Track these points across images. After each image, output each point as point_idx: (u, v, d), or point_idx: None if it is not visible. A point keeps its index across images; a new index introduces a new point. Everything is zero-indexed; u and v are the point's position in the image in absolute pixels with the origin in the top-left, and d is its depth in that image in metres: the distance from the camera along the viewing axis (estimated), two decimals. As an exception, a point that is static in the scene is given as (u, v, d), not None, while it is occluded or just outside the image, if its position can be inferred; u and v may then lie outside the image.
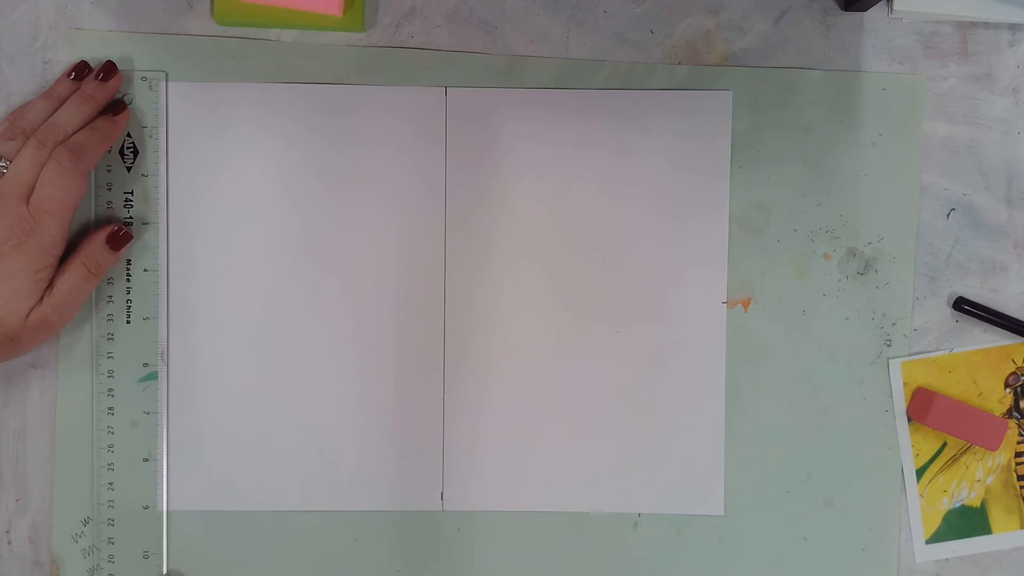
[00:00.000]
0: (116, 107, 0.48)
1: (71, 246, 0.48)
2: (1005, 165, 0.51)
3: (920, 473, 0.51)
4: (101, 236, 0.48)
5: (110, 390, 0.50)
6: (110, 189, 0.50)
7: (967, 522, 0.52)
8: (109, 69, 0.48)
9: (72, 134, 0.46)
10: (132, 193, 0.50)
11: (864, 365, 0.51)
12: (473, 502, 0.51)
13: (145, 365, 0.50)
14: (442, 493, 0.51)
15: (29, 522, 0.50)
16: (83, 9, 0.50)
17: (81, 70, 0.48)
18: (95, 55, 0.49)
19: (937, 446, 0.52)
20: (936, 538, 0.51)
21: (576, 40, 0.51)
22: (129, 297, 0.50)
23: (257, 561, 0.50)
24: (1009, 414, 0.52)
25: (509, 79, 0.50)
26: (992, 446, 0.50)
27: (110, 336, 0.50)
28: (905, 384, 0.51)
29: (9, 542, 0.50)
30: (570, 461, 0.51)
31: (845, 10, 0.51)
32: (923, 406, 0.50)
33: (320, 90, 0.50)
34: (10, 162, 0.45)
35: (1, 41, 0.50)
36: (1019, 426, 0.52)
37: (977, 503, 0.52)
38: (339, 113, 0.50)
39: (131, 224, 0.50)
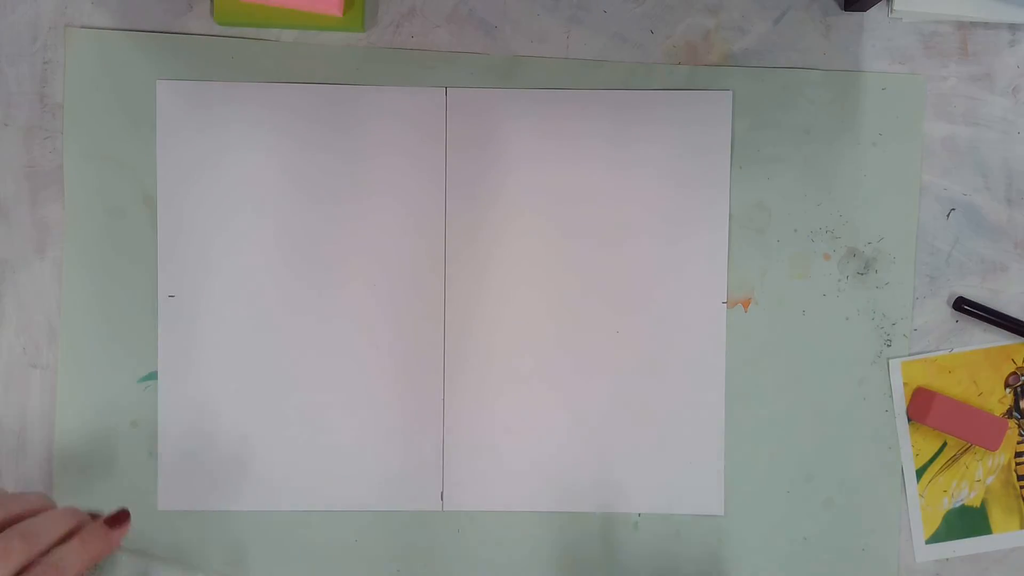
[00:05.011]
0: (117, 518, 0.41)
1: None
2: (1005, 165, 0.51)
3: (920, 473, 0.51)
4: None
5: (110, 391, 0.50)
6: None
7: (967, 522, 0.52)
8: (123, 518, 0.41)
9: (48, 546, 0.38)
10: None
11: (864, 365, 0.51)
12: (473, 502, 0.51)
13: (145, 366, 0.50)
14: (442, 493, 0.51)
15: (29, 522, 0.50)
16: (83, 9, 0.50)
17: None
18: (95, 55, 0.49)
19: (937, 446, 0.52)
20: (936, 538, 0.51)
21: (576, 40, 0.51)
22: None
23: (257, 561, 0.50)
24: (1009, 414, 0.52)
25: (509, 79, 0.50)
26: (992, 446, 0.50)
27: (110, 337, 0.50)
28: (905, 384, 0.51)
29: (9, 542, 0.50)
30: (570, 461, 0.51)
31: (845, 10, 0.51)
32: (923, 406, 0.50)
33: (319, 90, 0.50)
34: None
35: (1, 41, 0.50)
36: (1019, 426, 0.52)
37: (977, 503, 0.52)
38: (339, 113, 0.50)
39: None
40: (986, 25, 0.51)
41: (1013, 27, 0.51)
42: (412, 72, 0.50)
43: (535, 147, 0.50)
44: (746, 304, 0.51)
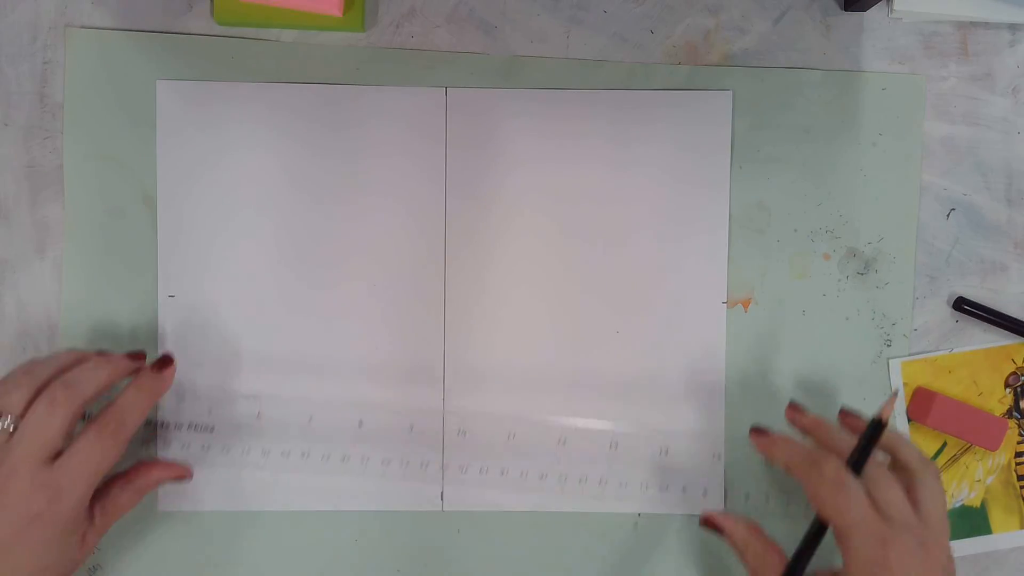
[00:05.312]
0: (162, 361, 0.47)
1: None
2: (1005, 165, 0.51)
3: (920, 473, 0.51)
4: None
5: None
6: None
7: (967, 522, 0.52)
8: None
9: (90, 395, 0.42)
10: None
11: (864, 365, 0.51)
12: (473, 502, 0.51)
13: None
14: (442, 493, 0.51)
15: (29, 522, 0.50)
16: (83, 9, 0.50)
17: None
18: (95, 55, 0.49)
19: (937, 446, 0.52)
20: (936, 538, 0.51)
21: (576, 40, 0.51)
22: (129, 297, 0.50)
23: (257, 561, 0.50)
24: (1009, 414, 0.52)
25: (509, 79, 0.50)
26: (992, 446, 0.50)
27: (110, 337, 0.50)
28: (905, 384, 0.51)
29: (9, 542, 0.50)
30: (571, 461, 0.51)
31: (845, 10, 0.51)
32: (923, 406, 0.50)
33: (319, 90, 0.50)
34: (16, 417, 0.41)
35: (1, 41, 0.50)
36: (1019, 426, 0.52)
37: (977, 503, 0.52)
38: (339, 113, 0.50)
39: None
40: (986, 25, 0.51)
41: (1013, 27, 0.51)
42: (412, 72, 0.50)
43: (535, 147, 0.50)
44: (746, 304, 0.51)
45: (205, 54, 0.50)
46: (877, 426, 0.44)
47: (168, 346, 0.50)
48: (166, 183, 0.50)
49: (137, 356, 0.46)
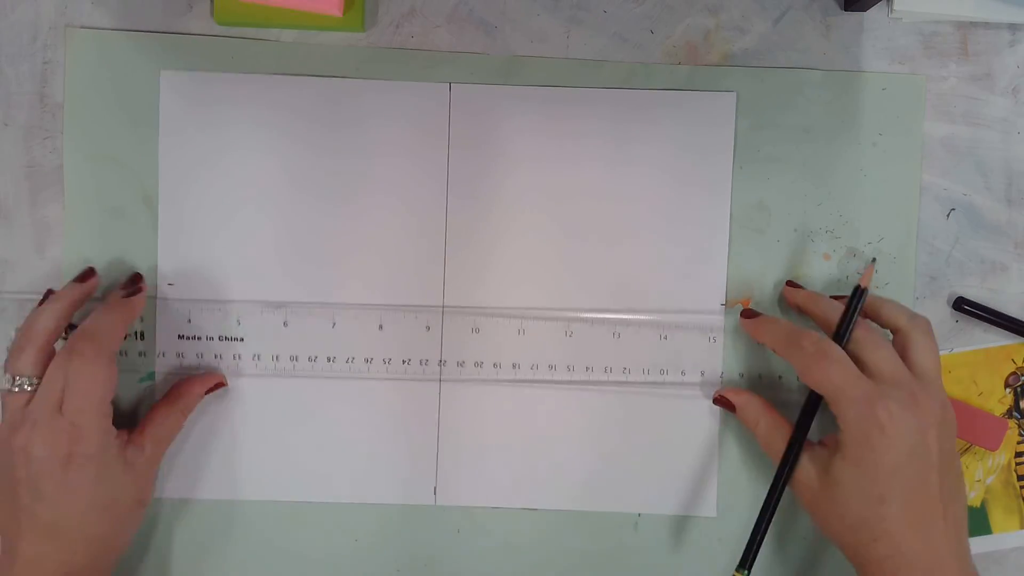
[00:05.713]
0: (131, 282, 0.48)
1: None
2: (1005, 165, 0.51)
3: (920, 473, 0.51)
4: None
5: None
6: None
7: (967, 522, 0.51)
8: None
9: (49, 332, 0.44)
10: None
11: (864, 365, 0.51)
12: (469, 500, 0.51)
13: (144, 365, 0.50)
14: (435, 488, 0.50)
15: (29, 522, 0.50)
16: (83, 9, 0.50)
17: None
18: (95, 55, 0.49)
19: (937, 446, 0.51)
20: (936, 538, 0.51)
21: (576, 40, 0.51)
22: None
23: (256, 557, 0.50)
24: (1009, 414, 0.52)
25: (509, 79, 0.50)
26: (992, 446, 0.50)
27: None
28: (905, 384, 0.51)
29: (9, 542, 0.50)
30: (569, 460, 0.51)
31: (845, 10, 0.51)
32: (923, 406, 0.50)
33: (320, 87, 0.50)
34: (39, 379, 0.43)
35: (1, 41, 0.50)
36: (1019, 426, 0.52)
37: (977, 503, 0.52)
38: (341, 109, 0.50)
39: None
40: (986, 25, 0.51)
41: (1013, 27, 0.51)
42: (412, 72, 0.50)
43: (536, 146, 0.50)
44: (746, 304, 0.51)
45: (205, 54, 0.50)
46: (858, 293, 0.45)
47: (167, 350, 0.50)
48: (167, 181, 0.50)
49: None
